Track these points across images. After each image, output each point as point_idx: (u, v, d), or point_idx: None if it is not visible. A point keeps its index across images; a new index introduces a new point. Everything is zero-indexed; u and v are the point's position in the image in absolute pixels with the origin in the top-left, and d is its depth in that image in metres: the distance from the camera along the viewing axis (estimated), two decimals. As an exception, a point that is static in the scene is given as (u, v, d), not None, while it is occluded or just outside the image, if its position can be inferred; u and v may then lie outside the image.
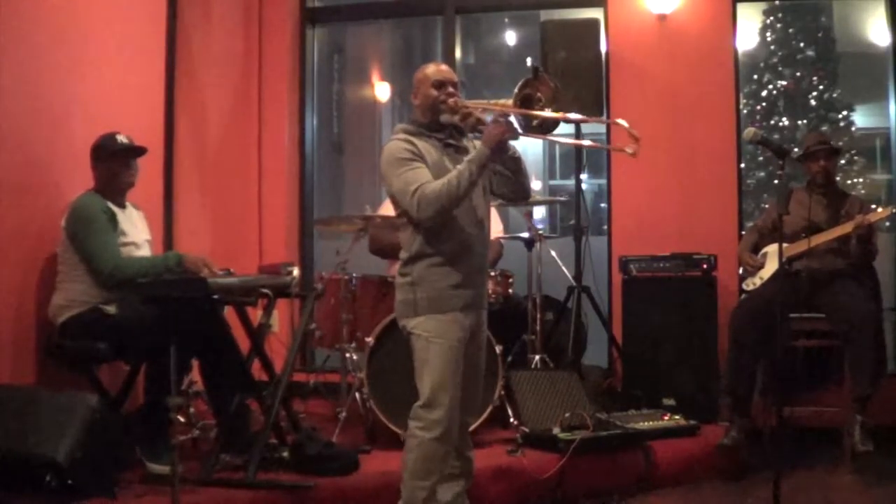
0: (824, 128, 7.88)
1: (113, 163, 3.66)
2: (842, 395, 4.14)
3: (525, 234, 4.69)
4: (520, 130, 2.83)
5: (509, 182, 3.02)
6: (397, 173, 2.86)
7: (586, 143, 3.12)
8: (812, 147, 4.41)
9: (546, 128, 2.89)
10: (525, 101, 2.83)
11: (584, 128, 5.08)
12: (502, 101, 2.85)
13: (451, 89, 2.96)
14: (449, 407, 2.84)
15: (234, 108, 5.55)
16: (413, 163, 2.86)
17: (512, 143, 2.91)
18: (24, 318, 3.55)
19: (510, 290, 4.55)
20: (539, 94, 2.85)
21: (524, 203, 4.47)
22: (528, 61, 9.04)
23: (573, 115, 2.90)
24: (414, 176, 2.83)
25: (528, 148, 2.86)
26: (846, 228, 4.12)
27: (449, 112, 2.94)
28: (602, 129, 5.39)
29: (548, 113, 2.83)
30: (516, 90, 2.82)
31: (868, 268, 4.33)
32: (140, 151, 3.74)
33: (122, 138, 3.66)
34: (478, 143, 2.96)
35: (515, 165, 2.98)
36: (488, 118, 2.89)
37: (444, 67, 3.05)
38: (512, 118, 2.81)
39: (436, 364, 2.84)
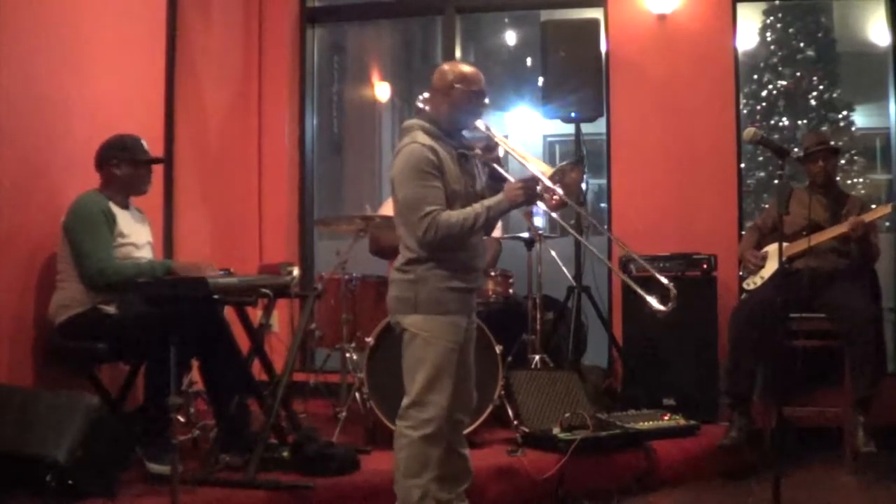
0: (824, 128, 7.88)
1: (139, 168, 3.72)
2: (842, 395, 4.14)
3: (525, 234, 4.69)
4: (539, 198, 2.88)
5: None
6: (413, 184, 2.83)
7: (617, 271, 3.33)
8: (811, 148, 4.41)
9: (554, 206, 2.95)
10: (552, 176, 2.87)
11: (584, 129, 5.07)
12: (541, 168, 2.89)
13: (486, 101, 2.98)
14: (440, 407, 2.84)
15: (234, 108, 5.54)
16: (433, 178, 2.83)
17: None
18: (24, 318, 3.55)
19: (510, 290, 4.55)
20: (566, 179, 2.89)
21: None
22: (528, 61, 9.06)
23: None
24: (431, 195, 2.82)
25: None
26: (842, 228, 4.12)
27: (472, 129, 2.96)
28: (602, 129, 5.38)
29: (574, 204, 2.93)
30: (559, 166, 2.91)
31: (868, 268, 4.33)
32: (161, 161, 3.94)
33: (145, 145, 3.74)
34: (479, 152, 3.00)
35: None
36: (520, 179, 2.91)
37: (482, 79, 2.98)
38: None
39: (431, 364, 2.84)
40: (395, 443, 2.91)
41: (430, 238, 2.80)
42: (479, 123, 2.98)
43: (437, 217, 2.79)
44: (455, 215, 2.81)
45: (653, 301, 2.79)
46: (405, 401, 2.89)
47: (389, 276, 3.03)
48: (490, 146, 2.99)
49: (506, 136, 3.03)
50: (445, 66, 3.01)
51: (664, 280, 2.83)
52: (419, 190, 2.82)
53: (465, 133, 3.07)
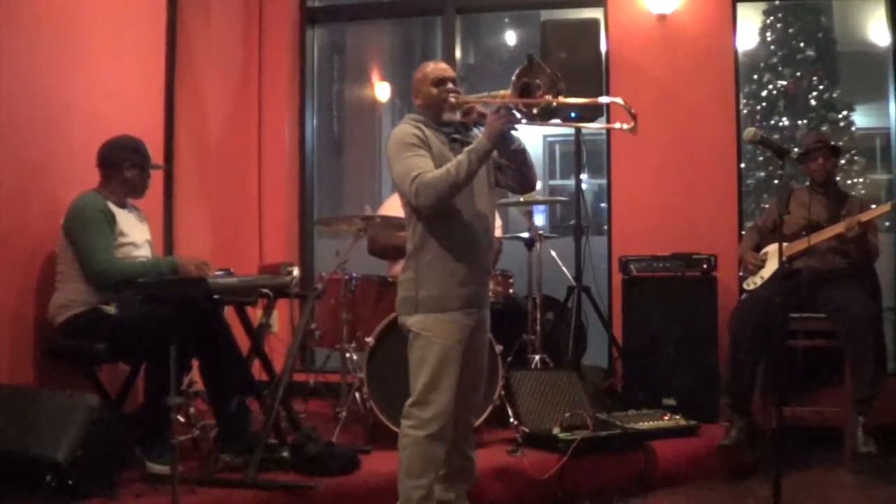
0: (824, 128, 7.87)
1: (145, 173, 3.75)
2: (842, 395, 4.14)
3: (525, 234, 4.69)
4: (521, 119, 2.82)
5: (515, 174, 3.03)
6: (401, 157, 2.86)
7: (586, 125, 3.27)
8: (811, 146, 4.42)
9: (547, 115, 2.88)
10: (524, 90, 2.83)
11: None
12: (502, 92, 2.85)
13: (450, 85, 2.96)
14: (442, 406, 2.83)
15: (234, 108, 5.55)
16: (417, 149, 2.86)
17: (516, 135, 2.91)
18: (24, 318, 3.55)
19: (510, 290, 4.55)
20: (538, 82, 2.85)
21: (525, 202, 4.48)
22: (527, 56, 9.05)
23: (570, 100, 2.93)
24: (416, 162, 2.83)
25: (529, 148, 2.88)
26: (838, 228, 4.12)
27: (450, 110, 2.94)
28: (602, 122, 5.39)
29: (543, 99, 2.82)
30: (514, 79, 2.82)
31: (868, 268, 4.33)
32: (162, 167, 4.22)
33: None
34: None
35: (521, 157, 2.99)
36: (490, 110, 2.89)
37: (441, 64, 3.05)
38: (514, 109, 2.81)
39: (432, 363, 2.84)
40: (399, 442, 2.90)
41: (423, 201, 2.79)
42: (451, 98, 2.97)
43: (421, 178, 2.78)
44: (439, 170, 2.80)
45: (620, 125, 2.78)
46: (409, 400, 2.89)
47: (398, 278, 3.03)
48: (465, 111, 2.98)
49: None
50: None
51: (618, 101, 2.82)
52: (405, 161, 2.84)
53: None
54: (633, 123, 2.73)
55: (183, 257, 3.88)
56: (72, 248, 3.51)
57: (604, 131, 5.43)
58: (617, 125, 2.82)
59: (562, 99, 2.85)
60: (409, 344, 2.91)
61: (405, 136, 2.88)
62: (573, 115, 4.89)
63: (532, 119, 2.84)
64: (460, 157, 2.80)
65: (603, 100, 3.24)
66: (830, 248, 4.24)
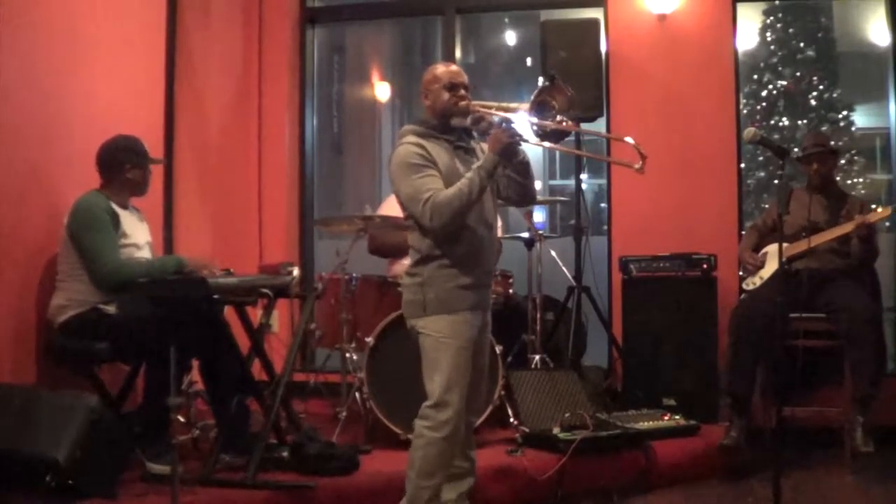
0: (824, 128, 7.87)
1: (146, 170, 3.75)
2: (842, 395, 4.14)
3: (525, 234, 4.69)
4: (525, 137, 2.82)
5: (517, 186, 3.03)
6: (408, 180, 2.86)
7: (593, 154, 3.23)
8: (808, 149, 4.41)
9: (558, 136, 2.90)
10: (540, 108, 2.83)
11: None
12: (514, 105, 2.85)
13: (462, 91, 2.95)
14: (458, 407, 2.85)
15: (234, 108, 5.55)
16: (424, 169, 2.85)
17: (521, 148, 2.92)
18: (25, 318, 3.55)
19: (510, 290, 4.55)
20: (554, 102, 2.86)
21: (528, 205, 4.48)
22: (528, 61, 9.05)
23: (584, 127, 2.94)
24: (425, 183, 2.83)
25: (529, 148, 2.86)
26: (846, 228, 4.12)
27: (461, 115, 2.94)
28: (602, 129, 5.38)
29: (557, 123, 2.83)
30: (532, 96, 2.82)
31: (868, 268, 4.33)
32: (162, 161, 4.12)
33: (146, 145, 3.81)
34: (485, 145, 2.97)
35: (524, 169, 2.99)
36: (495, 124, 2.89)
37: (454, 68, 3.03)
38: (523, 123, 2.80)
39: (446, 364, 2.85)
40: (413, 442, 2.91)
41: (436, 222, 2.80)
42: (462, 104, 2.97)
43: (433, 199, 2.79)
44: (450, 190, 2.81)
45: (634, 165, 2.76)
46: (427, 402, 2.89)
47: (401, 280, 3.03)
48: (475, 119, 2.98)
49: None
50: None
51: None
52: (413, 182, 2.84)
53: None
54: (640, 163, 2.72)
55: (188, 257, 3.88)
56: (77, 249, 3.50)
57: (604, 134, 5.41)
58: (625, 162, 2.79)
59: (572, 125, 2.86)
60: (421, 346, 2.91)
61: (409, 157, 2.87)
62: (573, 114, 4.89)
63: (543, 138, 2.84)
64: (470, 174, 2.81)
65: (615, 137, 3.12)
66: (830, 249, 4.23)
